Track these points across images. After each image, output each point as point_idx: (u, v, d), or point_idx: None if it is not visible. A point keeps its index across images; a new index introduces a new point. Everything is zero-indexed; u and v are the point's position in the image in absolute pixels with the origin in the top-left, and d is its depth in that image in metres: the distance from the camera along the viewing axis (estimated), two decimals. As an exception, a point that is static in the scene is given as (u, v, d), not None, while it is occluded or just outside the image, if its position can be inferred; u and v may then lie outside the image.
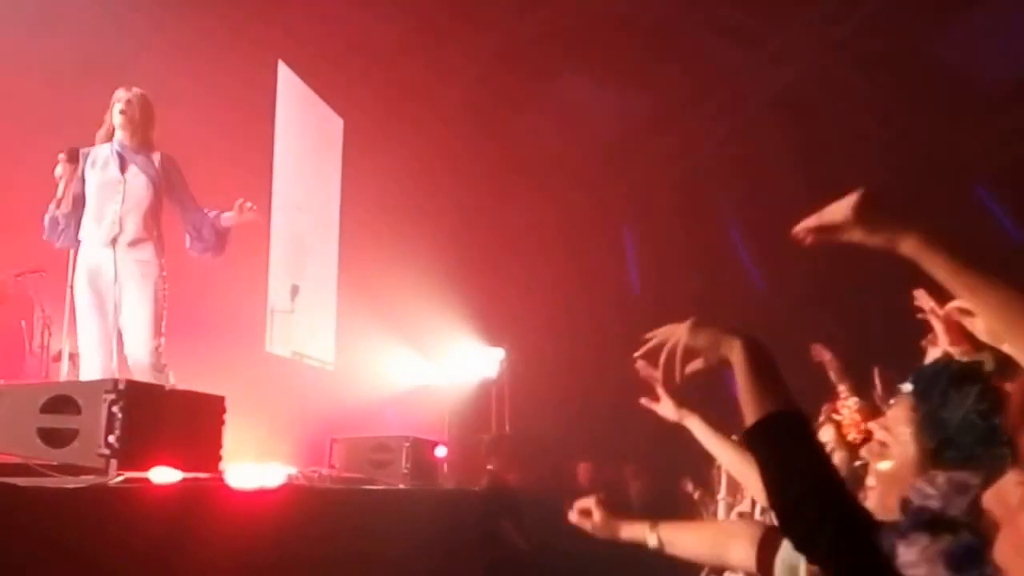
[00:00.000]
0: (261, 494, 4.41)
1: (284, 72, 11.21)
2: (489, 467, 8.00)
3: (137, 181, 5.56)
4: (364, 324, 11.67)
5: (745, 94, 12.02)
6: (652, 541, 2.64)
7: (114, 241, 5.44)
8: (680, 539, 2.66)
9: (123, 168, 5.54)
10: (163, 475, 3.49)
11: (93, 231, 5.52)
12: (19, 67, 6.98)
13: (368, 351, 11.90)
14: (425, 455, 6.51)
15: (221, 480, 4.00)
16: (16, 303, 8.54)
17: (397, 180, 11.90)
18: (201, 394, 3.91)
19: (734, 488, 5.70)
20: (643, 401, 2.79)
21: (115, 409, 3.28)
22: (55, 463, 3.43)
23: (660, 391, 2.74)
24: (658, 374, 2.20)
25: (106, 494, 3.18)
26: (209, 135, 9.28)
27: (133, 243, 5.52)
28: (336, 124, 12.53)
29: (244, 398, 5.22)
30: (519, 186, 12.01)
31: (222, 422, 3.92)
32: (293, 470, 5.95)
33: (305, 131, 11.75)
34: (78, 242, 5.57)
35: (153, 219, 5.63)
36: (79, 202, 5.56)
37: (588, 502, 2.83)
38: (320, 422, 8.77)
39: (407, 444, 6.22)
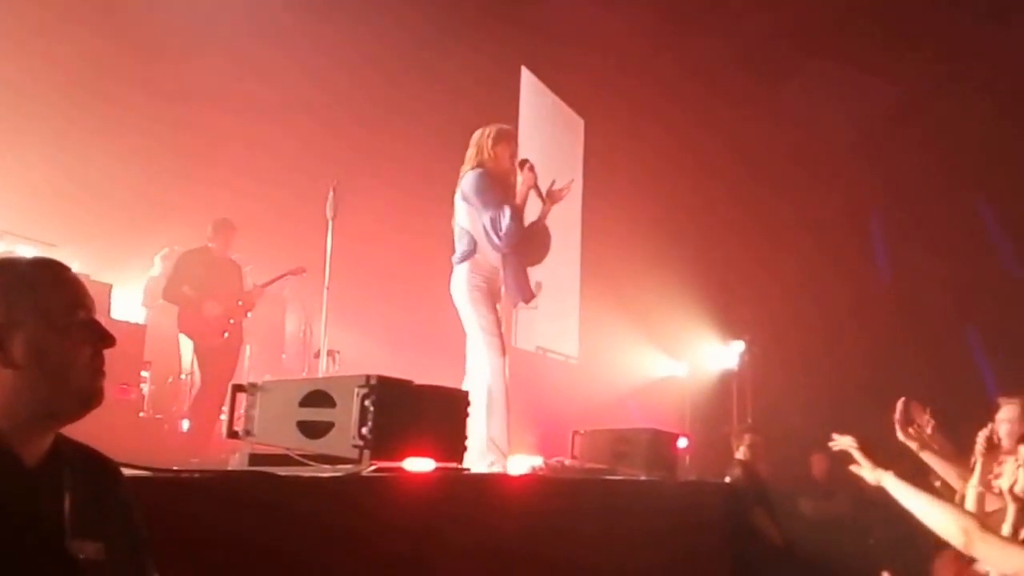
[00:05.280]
0: (507, 482, 4.56)
1: (527, 77, 11.54)
2: (739, 457, 7.77)
3: None
4: (606, 319, 11.78)
5: (1002, 74, 11.30)
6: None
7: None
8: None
9: None
10: (416, 465, 3.62)
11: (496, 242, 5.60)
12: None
13: (610, 345, 11.96)
14: (666, 447, 6.39)
15: (467, 470, 4.12)
16: (273, 303, 9.14)
17: (637, 177, 11.91)
18: (447, 388, 4.00)
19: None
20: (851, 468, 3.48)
21: (367, 403, 3.41)
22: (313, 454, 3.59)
23: (858, 456, 3.47)
24: None
25: (361, 482, 3.33)
26: (454, 136, 9.64)
27: None
28: (577, 124, 12.72)
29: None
30: (758, 178, 11.77)
31: (467, 415, 4.01)
32: (538, 461, 6.06)
33: (547, 132, 11.95)
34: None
35: None
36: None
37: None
38: (564, 415, 8.82)
39: (647, 436, 6.16)
